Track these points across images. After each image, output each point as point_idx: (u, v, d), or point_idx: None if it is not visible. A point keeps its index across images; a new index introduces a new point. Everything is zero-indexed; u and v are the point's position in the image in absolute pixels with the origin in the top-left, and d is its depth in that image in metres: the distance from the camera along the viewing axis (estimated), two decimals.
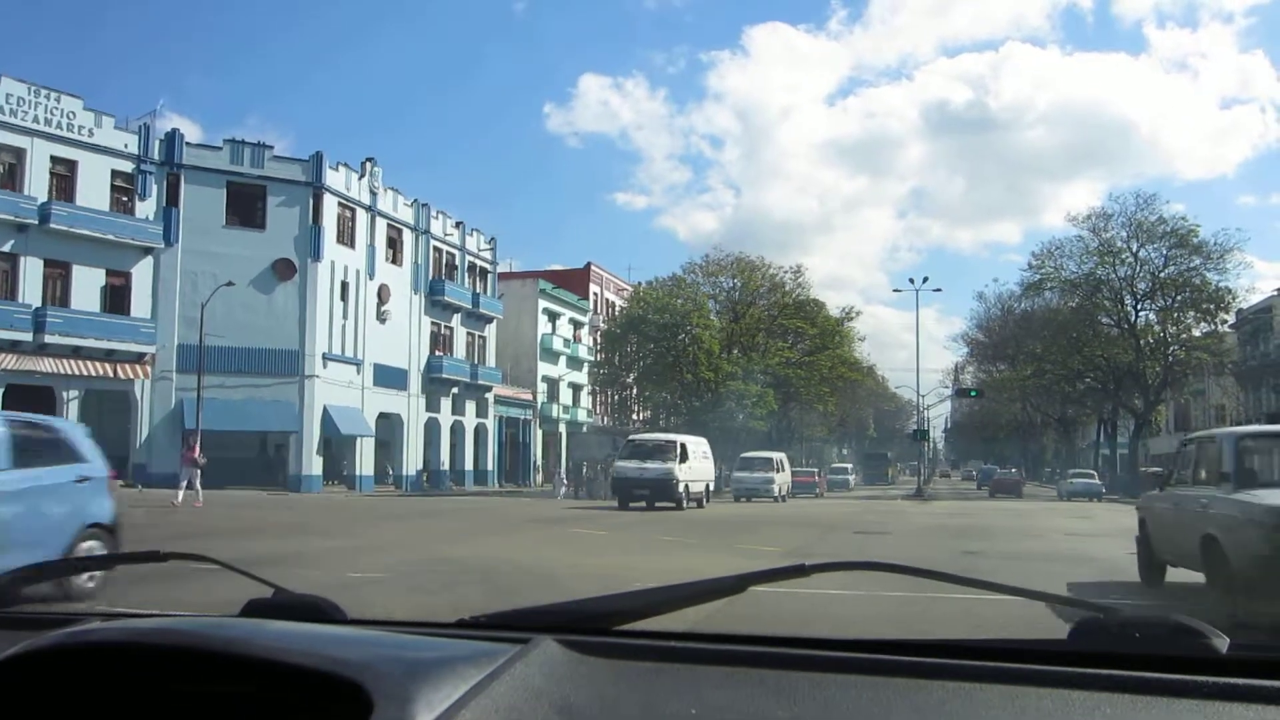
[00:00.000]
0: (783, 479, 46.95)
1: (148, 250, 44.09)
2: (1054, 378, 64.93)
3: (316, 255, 47.82)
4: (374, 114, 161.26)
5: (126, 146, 43.85)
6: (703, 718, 1.19)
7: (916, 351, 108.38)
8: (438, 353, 58.12)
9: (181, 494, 27.81)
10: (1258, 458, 10.82)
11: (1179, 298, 58.33)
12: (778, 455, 48.98)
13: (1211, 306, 57.43)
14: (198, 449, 28.98)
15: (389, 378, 53.32)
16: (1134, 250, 58.61)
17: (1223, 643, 1.33)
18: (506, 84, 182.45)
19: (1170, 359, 59.28)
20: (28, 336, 39.20)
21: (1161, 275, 58.18)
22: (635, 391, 69.21)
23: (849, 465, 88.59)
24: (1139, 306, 60.39)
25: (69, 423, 16.45)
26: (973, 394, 77.78)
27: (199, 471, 29.01)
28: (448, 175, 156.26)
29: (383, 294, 53.08)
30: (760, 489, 44.82)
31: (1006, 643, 1.42)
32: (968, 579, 1.72)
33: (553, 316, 72.57)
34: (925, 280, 78.13)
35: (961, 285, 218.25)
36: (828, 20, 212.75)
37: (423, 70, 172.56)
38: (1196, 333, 59.59)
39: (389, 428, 54.06)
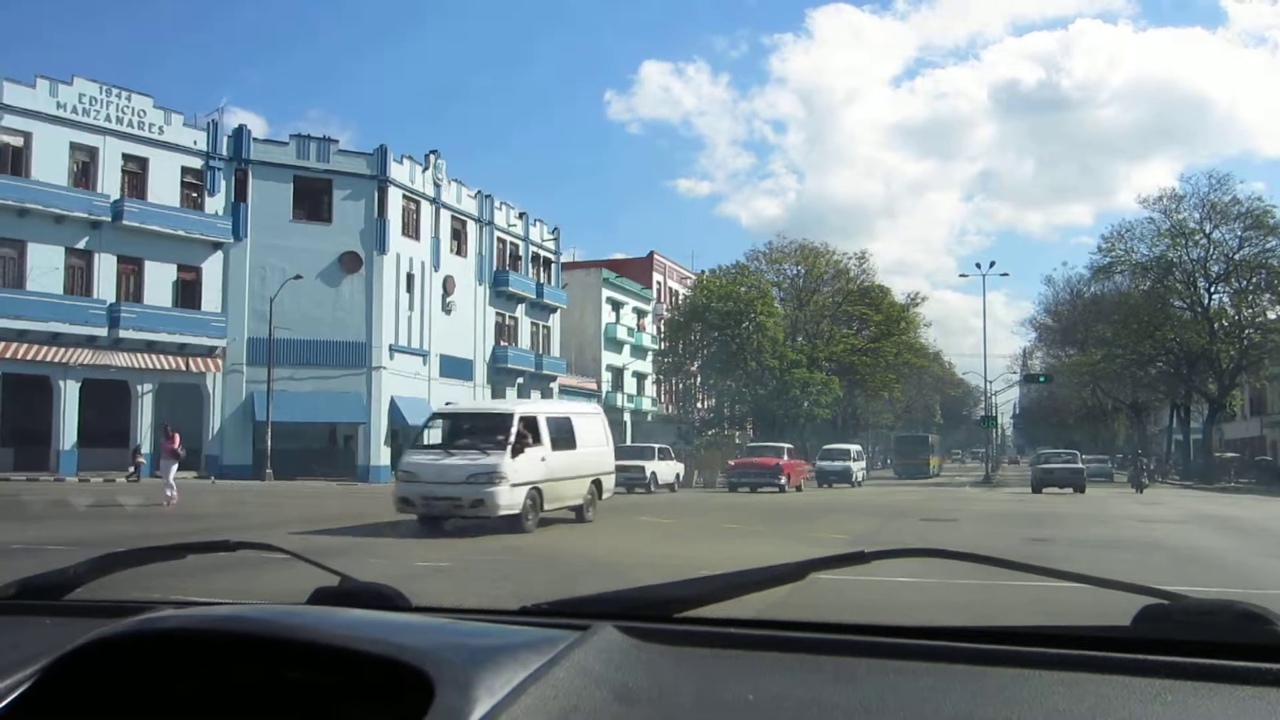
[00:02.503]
0: (562, 463, 19.32)
1: (217, 245, 44.80)
2: (1124, 362, 63.68)
3: (382, 248, 48.28)
4: (435, 103, 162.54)
5: (195, 143, 44.54)
6: (759, 703, 1.20)
7: (983, 337, 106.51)
8: (502, 343, 58.43)
9: (173, 490, 24.30)
10: (1043, 452, 54.81)
11: (1254, 280, 57.09)
12: (555, 407, 24.63)
13: None
14: (177, 439, 25.55)
15: (455, 368, 53.72)
16: (1207, 232, 57.41)
17: None
18: (567, 72, 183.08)
19: (1245, 342, 57.98)
20: (103, 332, 40.02)
21: (1236, 257, 56.94)
22: (699, 380, 69.18)
23: (851, 448, 53.90)
24: (1212, 289, 59.14)
25: None
26: (1041, 379, 76.76)
27: (176, 465, 25.28)
28: (509, 163, 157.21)
29: (448, 285, 53.46)
30: (458, 496, 17.42)
31: (1068, 629, 1.41)
32: (1031, 566, 1.71)
33: (616, 306, 72.68)
34: (992, 265, 76.63)
35: (1031, 269, 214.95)
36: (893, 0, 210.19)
37: (483, 59, 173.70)
38: (1272, 315, 58.25)
39: None
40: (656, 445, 43.12)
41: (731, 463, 42.56)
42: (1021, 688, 1.23)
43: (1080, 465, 43.43)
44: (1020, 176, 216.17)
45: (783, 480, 38.60)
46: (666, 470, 40.93)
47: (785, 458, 40.61)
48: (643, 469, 37.81)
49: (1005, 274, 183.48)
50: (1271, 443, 71.90)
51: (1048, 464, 44.78)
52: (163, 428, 27.87)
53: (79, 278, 40.79)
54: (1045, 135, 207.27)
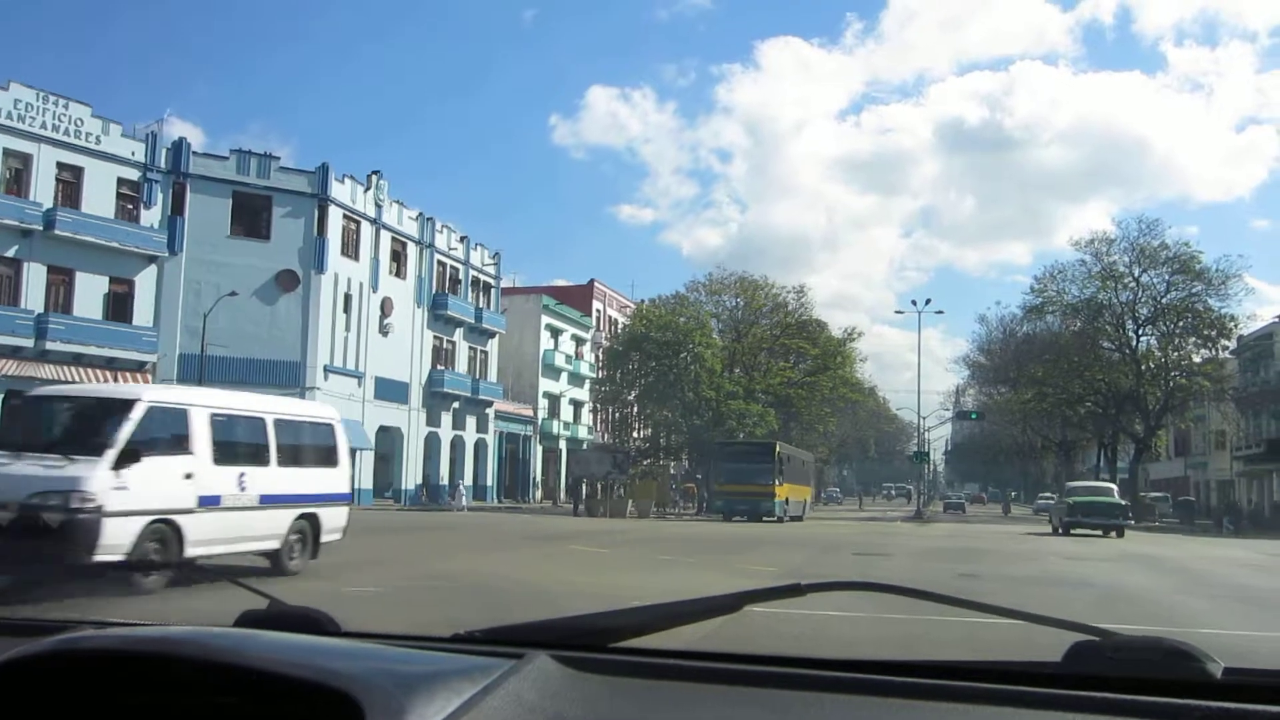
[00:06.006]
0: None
1: (152, 258, 44.09)
2: (1055, 401, 64.94)
3: (320, 267, 47.87)
4: (378, 123, 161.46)
5: (133, 154, 43.88)
6: None
7: (918, 374, 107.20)
8: (439, 367, 58.05)
9: None
10: (948, 493, 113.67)
11: (1180, 324, 58.53)
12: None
13: (1212, 333, 57.60)
14: None
15: (390, 391, 53.27)
16: (1136, 275, 58.82)
17: (1217, 667, 1.33)
18: (513, 95, 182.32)
19: (1171, 384, 59.31)
20: (29, 343, 39.15)
21: (1163, 301, 58.37)
22: (636, 409, 69.17)
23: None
24: (1140, 332, 60.53)
25: None
26: (973, 416, 77.84)
27: None
28: (451, 186, 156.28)
29: (385, 307, 53.08)
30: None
31: (1001, 664, 1.42)
32: (964, 600, 1.72)
33: (555, 333, 72.61)
34: (928, 302, 77.39)
35: (968, 306, 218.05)
36: (841, 34, 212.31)
37: (428, 80, 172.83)
38: (1197, 358, 59.80)
39: (389, 441, 53.98)
40: None
41: None
42: None
43: (964, 500, 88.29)
44: (960, 214, 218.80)
45: None
46: None
47: None
48: None
49: (941, 311, 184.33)
50: (1195, 483, 73.38)
51: (949, 499, 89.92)
52: None
53: (7, 286, 39.91)
54: (986, 174, 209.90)
